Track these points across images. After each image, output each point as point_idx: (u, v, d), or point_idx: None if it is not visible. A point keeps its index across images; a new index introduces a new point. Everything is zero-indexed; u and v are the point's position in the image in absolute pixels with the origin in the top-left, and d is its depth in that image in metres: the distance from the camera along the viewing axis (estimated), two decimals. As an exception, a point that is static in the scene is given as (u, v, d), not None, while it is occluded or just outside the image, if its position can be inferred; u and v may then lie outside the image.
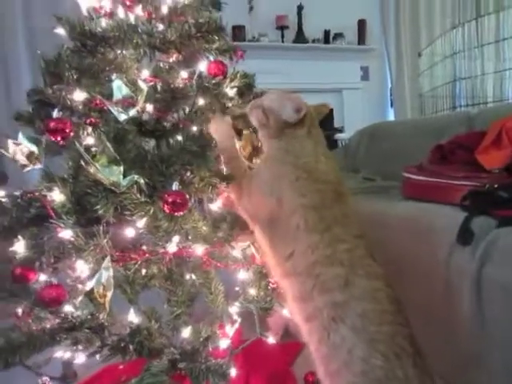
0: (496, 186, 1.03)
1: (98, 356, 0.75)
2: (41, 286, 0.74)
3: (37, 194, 0.79)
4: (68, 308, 0.74)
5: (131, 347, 0.73)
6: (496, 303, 0.88)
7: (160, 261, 0.85)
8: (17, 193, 0.81)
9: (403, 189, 1.37)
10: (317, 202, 0.79)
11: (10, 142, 0.79)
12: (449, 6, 4.08)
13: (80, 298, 0.71)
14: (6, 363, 0.67)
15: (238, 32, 3.42)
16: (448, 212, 1.07)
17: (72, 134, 0.76)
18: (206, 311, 0.92)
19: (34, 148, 0.79)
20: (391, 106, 4.16)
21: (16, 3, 2.37)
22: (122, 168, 0.68)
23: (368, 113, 3.89)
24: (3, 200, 0.81)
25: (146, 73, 0.90)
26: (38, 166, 0.80)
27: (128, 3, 0.94)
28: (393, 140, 2.01)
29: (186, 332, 0.84)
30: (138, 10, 0.94)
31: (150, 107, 0.85)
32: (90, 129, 0.81)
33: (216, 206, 0.90)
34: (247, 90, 0.92)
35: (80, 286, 0.73)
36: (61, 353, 0.80)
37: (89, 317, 0.71)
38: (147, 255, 0.82)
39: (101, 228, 0.71)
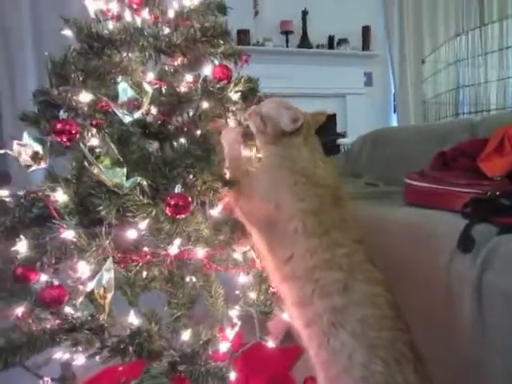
0: (498, 193, 1.03)
1: (97, 357, 0.75)
2: (41, 286, 0.74)
3: (40, 194, 0.79)
4: (68, 309, 0.74)
5: (131, 349, 0.73)
6: (497, 310, 0.87)
7: (161, 263, 0.85)
8: (20, 193, 0.82)
9: (405, 195, 1.37)
10: (315, 206, 0.79)
11: (14, 142, 0.80)
12: (452, 13, 4.10)
13: (80, 299, 0.71)
14: (5, 363, 0.67)
15: (243, 36, 3.44)
16: (449, 219, 1.07)
17: (77, 135, 0.76)
18: (206, 314, 0.92)
19: (38, 148, 0.80)
20: (394, 111, 4.16)
21: (23, 4, 2.39)
22: (125, 170, 0.69)
23: (371, 118, 3.89)
24: (6, 200, 0.81)
25: (151, 75, 0.91)
26: (42, 166, 0.81)
27: (135, 6, 0.95)
28: (395, 146, 2.01)
29: (186, 334, 0.85)
30: (145, 13, 0.95)
31: (154, 110, 0.85)
32: (94, 130, 0.81)
33: (217, 211, 0.90)
34: (251, 94, 0.93)
35: (81, 287, 0.73)
36: (60, 354, 0.80)
37: (89, 318, 0.72)
38: (148, 257, 0.82)
39: (103, 229, 0.72)
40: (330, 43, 3.80)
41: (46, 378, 0.81)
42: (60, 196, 0.75)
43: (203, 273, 0.91)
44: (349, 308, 0.71)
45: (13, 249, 0.78)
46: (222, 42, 0.92)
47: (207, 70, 0.90)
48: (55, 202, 0.75)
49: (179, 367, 0.76)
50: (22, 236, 0.78)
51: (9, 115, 2.31)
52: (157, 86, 0.89)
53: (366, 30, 3.91)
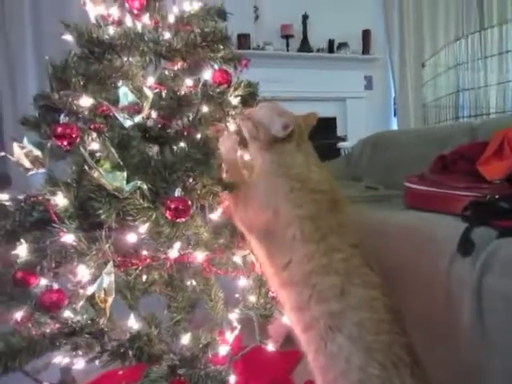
0: (497, 196, 1.03)
1: (97, 361, 0.75)
2: (41, 290, 0.74)
3: (40, 198, 0.79)
4: (68, 313, 0.74)
5: (131, 353, 0.73)
6: (496, 313, 0.87)
7: (161, 267, 0.85)
8: (20, 196, 0.82)
9: (405, 198, 1.37)
10: (312, 212, 0.79)
11: (15, 145, 0.81)
12: (452, 18, 4.11)
13: (81, 303, 0.71)
14: (5, 368, 0.67)
15: (244, 40, 3.45)
16: (449, 222, 1.07)
17: (78, 139, 0.77)
18: (206, 318, 0.92)
19: (38, 152, 0.81)
20: (394, 115, 4.17)
21: (24, 9, 2.41)
22: (125, 174, 0.69)
23: (371, 122, 3.90)
24: (7, 204, 0.81)
25: (151, 80, 0.91)
26: (42, 170, 0.81)
27: (136, 12, 0.95)
28: (396, 149, 2.01)
29: (186, 338, 0.84)
30: (146, 18, 0.96)
31: (154, 114, 0.86)
32: (94, 134, 0.82)
33: (217, 215, 0.90)
34: (251, 98, 0.93)
35: (81, 291, 0.73)
36: (59, 358, 0.79)
37: (89, 322, 0.72)
38: (148, 261, 0.82)
39: (103, 233, 0.72)
40: (331, 47, 3.81)
41: (45, 383, 0.81)
42: (60, 200, 0.75)
43: (203, 276, 0.91)
44: (346, 312, 0.71)
45: (13, 252, 0.78)
46: (221, 47, 0.93)
47: (207, 75, 0.90)
48: (55, 206, 0.75)
49: (179, 371, 0.76)
50: (22, 240, 0.78)
51: (10, 119, 2.32)
52: (157, 90, 0.90)
53: (366, 34, 3.92)
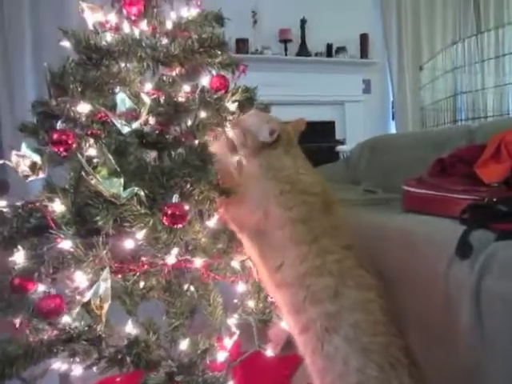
0: (495, 199, 1.03)
1: (95, 368, 0.75)
2: (39, 296, 0.74)
3: (38, 204, 0.79)
4: (66, 319, 0.74)
5: (128, 359, 0.73)
6: (495, 315, 0.87)
7: (159, 272, 0.85)
8: (18, 203, 0.82)
9: (403, 201, 1.37)
10: (303, 214, 0.80)
11: (13, 152, 0.81)
12: (450, 22, 4.14)
13: (77, 310, 0.71)
14: (2, 375, 0.67)
15: (242, 45, 3.46)
16: (447, 225, 1.07)
17: (75, 145, 0.77)
18: (205, 323, 0.92)
19: (36, 158, 0.81)
20: (393, 118, 4.18)
21: (23, 15, 2.42)
22: (122, 180, 0.69)
23: (370, 125, 3.90)
24: (4, 210, 0.81)
25: (149, 86, 0.92)
26: (41, 176, 0.81)
27: (133, 18, 0.96)
28: (394, 153, 2.01)
29: (184, 344, 0.84)
30: (143, 24, 0.96)
31: (152, 120, 0.86)
32: (92, 140, 0.82)
33: (214, 221, 0.90)
34: (248, 103, 0.94)
35: (78, 297, 0.73)
36: (57, 365, 0.79)
37: (86, 328, 0.71)
38: (146, 267, 0.82)
39: (100, 239, 0.72)
40: (329, 51, 3.82)
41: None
42: (57, 206, 0.75)
43: (201, 282, 0.91)
44: (341, 313, 0.72)
45: (10, 259, 0.78)
46: (219, 53, 0.93)
47: (205, 81, 0.91)
48: (53, 212, 0.75)
49: (177, 377, 0.76)
50: (19, 246, 0.78)
51: (8, 125, 2.32)
52: (155, 96, 0.90)
53: (363, 38, 3.94)
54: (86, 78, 0.84)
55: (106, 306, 0.68)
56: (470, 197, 1.11)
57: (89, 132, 0.82)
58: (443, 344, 0.99)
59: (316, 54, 3.79)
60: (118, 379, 0.89)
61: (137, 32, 0.94)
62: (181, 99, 0.90)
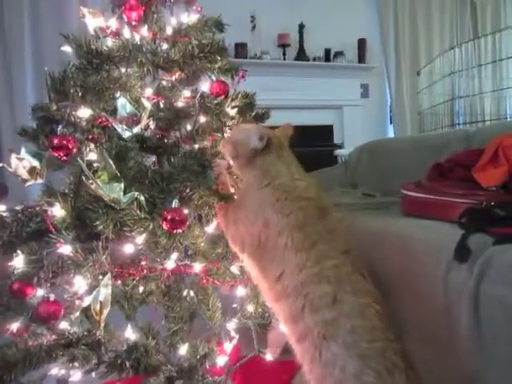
0: (493, 203, 1.04)
1: (94, 373, 0.75)
2: (38, 301, 0.74)
3: (37, 208, 0.79)
4: (65, 324, 0.73)
5: (128, 364, 0.73)
6: (493, 319, 0.87)
7: (158, 277, 0.85)
8: (18, 207, 0.82)
9: (402, 205, 1.37)
10: (300, 220, 0.80)
11: (12, 156, 0.81)
12: (447, 27, 4.17)
13: (77, 314, 0.71)
14: (0, 380, 0.67)
15: (241, 49, 3.48)
16: (446, 229, 1.07)
17: (75, 150, 0.77)
18: (204, 328, 0.92)
19: (36, 163, 0.81)
20: (391, 122, 4.20)
21: (24, 20, 2.42)
22: (122, 185, 0.69)
23: (368, 129, 3.92)
24: (4, 214, 0.81)
25: (149, 91, 0.92)
26: (40, 180, 0.81)
27: (134, 23, 0.96)
28: (392, 156, 2.02)
29: (184, 349, 0.84)
30: (144, 30, 0.97)
31: (152, 125, 0.86)
32: (92, 145, 0.82)
33: (213, 226, 0.90)
34: (248, 109, 0.94)
35: (78, 302, 0.73)
36: (56, 370, 0.79)
37: (86, 333, 0.71)
38: (145, 271, 0.82)
39: (100, 244, 0.72)
40: (327, 56, 3.84)
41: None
42: (57, 210, 0.76)
43: (201, 286, 0.91)
44: (338, 320, 0.72)
45: (10, 264, 0.78)
46: (219, 58, 0.94)
47: (205, 86, 0.91)
48: (52, 217, 0.75)
49: (176, 382, 0.76)
50: (19, 251, 0.78)
51: (8, 130, 2.32)
52: (155, 101, 0.90)
53: (361, 43, 3.96)
54: (86, 83, 0.85)
55: (105, 312, 0.68)
56: (468, 201, 1.11)
57: (89, 137, 0.82)
58: (442, 348, 0.99)
59: (314, 59, 3.81)
60: (117, 384, 0.88)
61: (137, 37, 0.95)
62: (181, 104, 0.90)
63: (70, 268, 0.72)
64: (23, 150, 0.82)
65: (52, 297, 0.72)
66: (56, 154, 0.76)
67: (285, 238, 0.78)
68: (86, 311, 0.68)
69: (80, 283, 0.73)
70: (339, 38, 3.83)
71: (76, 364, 0.72)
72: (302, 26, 3.74)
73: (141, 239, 0.75)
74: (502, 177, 1.16)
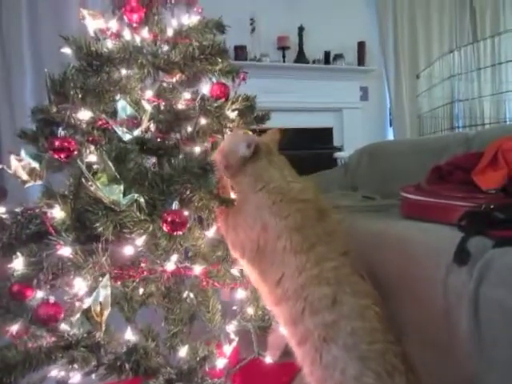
0: (492, 206, 1.04)
1: (93, 375, 0.74)
2: (38, 303, 0.73)
3: (37, 210, 0.79)
4: (64, 326, 0.73)
5: (127, 366, 0.73)
6: (493, 322, 0.87)
7: (158, 279, 0.85)
8: (17, 209, 0.82)
9: (402, 208, 1.37)
10: (298, 222, 0.80)
11: (12, 158, 0.81)
12: (446, 30, 4.18)
13: (77, 316, 0.71)
14: (0, 382, 0.67)
15: (240, 52, 3.48)
16: (445, 232, 1.07)
17: (76, 152, 0.77)
18: (204, 330, 0.92)
19: (35, 164, 0.81)
20: (390, 125, 4.20)
21: (22, 21, 2.42)
22: (122, 187, 0.69)
23: (367, 132, 3.93)
24: (3, 216, 0.81)
25: (149, 93, 0.92)
26: (39, 182, 0.81)
27: (134, 25, 0.96)
28: (392, 159, 2.02)
29: (183, 351, 0.84)
30: (144, 31, 0.97)
31: (152, 127, 0.86)
32: (92, 147, 0.82)
33: (213, 230, 0.90)
34: (248, 112, 0.94)
35: (77, 304, 0.73)
36: (55, 372, 0.79)
37: (85, 335, 0.71)
38: (145, 273, 0.82)
39: (100, 245, 0.72)
40: (326, 58, 3.85)
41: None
42: (57, 212, 0.75)
43: (201, 288, 0.91)
44: (339, 322, 0.72)
45: (9, 266, 0.78)
46: (219, 60, 0.94)
47: (205, 88, 0.91)
48: (52, 219, 0.75)
49: (176, 385, 0.75)
50: (18, 253, 0.78)
51: (7, 132, 2.31)
52: (155, 103, 0.90)
53: (361, 46, 3.97)
54: (86, 85, 0.85)
55: (105, 313, 0.68)
56: (467, 204, 1.11)
57: (89, 139, 0.82)
58: (441, 351, 0.99)
59: (314, 61, 3.82)
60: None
61: (138, 39, 0.95)
62: (181, 106, 0.90)
63: (69, 270, 0.72)
64: (23, 152, 0.82)
65: (52, 299, 0.72)
66: (57, 156, 0.76)
67: (283, 240, 0.79)
68: (87, 313, 0.68)
69: (80, 285, 0.73)
70: (339, 40, 3.84)
71: (75, 366, 0.72)
72: (301, 29, 3.75)
73: (141, 241, 0.75)
74: (502, 180, 1.16)
